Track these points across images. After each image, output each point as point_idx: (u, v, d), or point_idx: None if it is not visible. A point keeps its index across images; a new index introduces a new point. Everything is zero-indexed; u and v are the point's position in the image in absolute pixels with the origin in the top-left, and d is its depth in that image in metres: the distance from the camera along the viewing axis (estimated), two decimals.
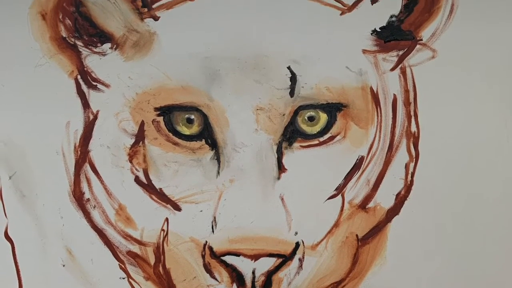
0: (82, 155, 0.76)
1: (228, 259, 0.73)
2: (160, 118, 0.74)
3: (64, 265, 0.76)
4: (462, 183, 0.74)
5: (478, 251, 0.74)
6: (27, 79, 0.77)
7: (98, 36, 0.76)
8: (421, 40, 0.75)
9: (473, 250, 0.74)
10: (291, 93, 0.74)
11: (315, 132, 0.74)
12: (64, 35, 0.76)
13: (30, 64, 0.77)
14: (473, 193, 0.74)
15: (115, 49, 0.76)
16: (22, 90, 0.77)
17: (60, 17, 0.76)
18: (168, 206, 0.75)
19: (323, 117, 0.74)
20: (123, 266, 0.75)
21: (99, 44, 0.76)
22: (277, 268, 0.73)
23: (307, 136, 0.74)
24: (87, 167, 0.76)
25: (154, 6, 0.76)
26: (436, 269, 0.74)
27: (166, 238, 0.75)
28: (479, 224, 0.74)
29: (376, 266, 0.74)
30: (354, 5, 0.75)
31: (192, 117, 0.74)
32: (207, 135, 0.74)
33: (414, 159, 0.74)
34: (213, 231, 0.74)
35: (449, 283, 0.74)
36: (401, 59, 0.75)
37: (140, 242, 0.75)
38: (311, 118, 0.74)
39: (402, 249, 0.74)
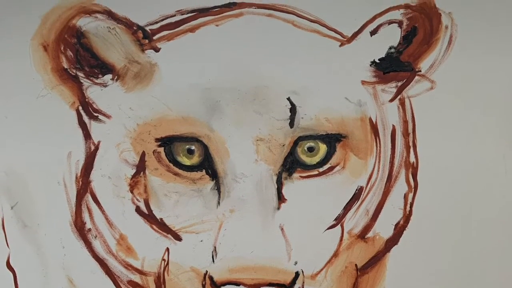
0: (84, 186, 0.77)
1: None
2: (161, 149, 0.75)
3: None
4: (460, 213, 0.74)
5: (477, 281, 0.75)
6: (29, 110, 0.78)
7: (99, 67, 0.77)
8: (420, 71, 0.76)
9: (472, 280, 0.75)
10: (291, 124, 0.75)
11: (315, 163, 0.75)
12: (65, 67, 0.77)
13: (32, 95, 0.78)
14: (471, 224, 0.75)
15: (116, 80, 0.77)
16: (24, 121, 0.78)
17: (62, 48, 0.77)
18: (169, 236, 0.75)
19: (323, 148, 0.75)
20: None
21: (100, 76, 0.77)
22: None
23: (306, 167, 0.75)
24: (88, 197, 0.77)
25: (155, 37, 0.77)
26: None
27: (167, 267, 0.76)
28: (478, 254, 0.75)
29: None
30: (353, 36, 0.76)
31: (193, 147, 0.75)
32: (207, 165, 0.75)
33: (413, 189, 0.75)
34: (213, 261, 0.74)
35: None
36: (400, 90, 0.76)
37: (141, 272, 0.76)
38: (310, 149, 0.75)
39: (400, 279, 0.75)
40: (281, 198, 0.74)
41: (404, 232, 0.75)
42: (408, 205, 0.75)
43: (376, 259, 0.75)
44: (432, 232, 0.75)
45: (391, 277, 0.75)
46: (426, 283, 0.75)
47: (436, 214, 0.75)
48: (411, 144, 0.76)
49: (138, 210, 0.76)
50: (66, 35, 0.77)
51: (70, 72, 0.77)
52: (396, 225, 0.75)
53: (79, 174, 0.77)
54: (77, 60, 0.77)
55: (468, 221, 0.75)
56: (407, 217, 0.75)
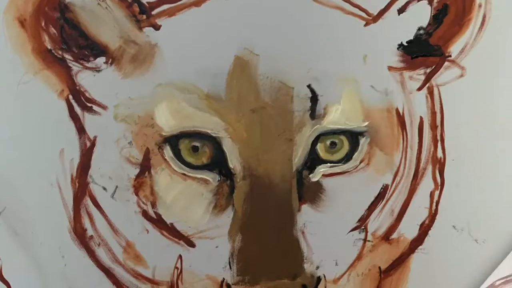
0: (81, 188, 0.66)
1: None
2: (167, 145, 0.65)
3: None
4: (488, 213, 0.70)
5: None
6: (9, 100, 0.64)
7: (89, 48, 0.63)
8: (450, 56, 0.67)
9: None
10: (312, 116, 0.67)
11: (337, 159, 0.66)
12: (49, 47, 0.63)
13: (12, 82, 0.64)
14: (499, 224, 0.70)
15: (111, 64, 0.63)
16: (4, 113, 0.65)
17: (43, 24, 0.62)
18: (181, 242, 0.67)
19: (346, 143, 0.66)
20: None
21: (91, 58, 0.63)
22: None
23: (328, 164, 0.66)
24: (87, 200, 0.66)
25: (153, 12, 0.64)
26: None
27: (180, 276, 0.68)
28: (505, 254, 0.70)
29: None
30: (380, 14, 0.65)
31: (203, 145, 0.64)
32: (220, 165, 0.65)
33: (439, 187, 0.69)
34: (230, 268, 0.67)
35: None
36: (428, 77, 0.67)
37: (152, 281, 0.68)
38: (333, 145, 0.66)
39: (424, 281, 0.70)
40: (301, 199, 0.66)
41: (429, 232, 0.70)
42: (434, 204, 0.69)
43: (400, 261, 0.70)
44: (458, 232, 0.70)
45: (414, 279, 0.70)
46: (450, 285, 0.71)
47: (462, 213, 0.70)
48: (439, 137, 0.68)
49: (145, 214, 0.66)
50: (46, 8, 0.62)
51: (55, 53, 0.63)
52: (421, 225, 0.69)
53: (74, 175, 0.65)
54: (63, 39, 0.63)
55: (496, 219, 0.70)
56: (432, 217, 0.69)
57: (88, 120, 0.65)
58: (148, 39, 0.64)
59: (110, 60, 0.64)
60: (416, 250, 0.69)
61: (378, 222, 0.68)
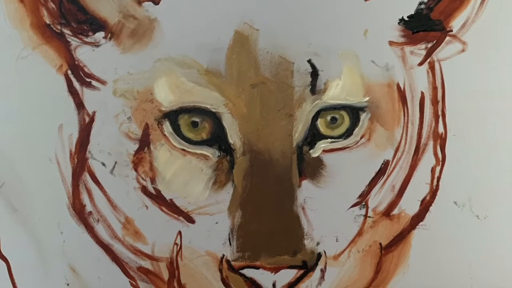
0: (80, 163, 0.65)
1: (247, 272, 0.66)
2: (166, 120, 0.64)
3: (68, 284, 0.67)
4: (489, 188, 0.69)
5: (507, 256, 0.71)
6: (8, 75, 0.63)
7: (88, 23, 0.62)
8: (451, 31, 0.66)
9: (501, 256, 0.70)
10: (312, 91, 0.67)
11: (338, 135, 0.65)
12: (48, 22, 0.62)
13: (11, 56, 0.63)
14: (500, 198, 0.69)
15: (110, 39, 0.63)
16: (3, 88, 0.64)
17: None
18: (181, 218, 0.66)
19: (347, 118, 0.65)
20: (134, 283, 0.67)
21: (90, 33, 0.62)
22: (298, 280, 0.67)
23: (329, 140, 0.65)
24: (86, 176, 0.65)
25: None
26: (459, 275, 0.70)
27: (180, 252, 0.66)
28: (508, 229, 0.70)
29: (399, 275, 0.69)
30: None
31: (203, 120, 0.64)
32: (220, 140, 0.64)
33: (441, 163, 0.68)
34: (230, 244, 0.66)
35: None
36: (430, 53, 0.65)
37: (151, 258, 0.67)
38: (333, 120, 0.65)
39: (425, 256, 0.69)
40: (302, 175, 0.65)
41: (430, 208, 0.68)
42: (435, 180, 0.67)
43: (401, 237, 0.68)
44: (459, 208, 0.69)
45: (415, 255, 0.68)
46: (451, 260, 0.69)
47: (463, 189, 0.68)
48: (440, 113, 0.67)
49: (144, 190, 0.65)
50: None
51: (54, 28, 0.62)
52: (422, 201, 0.68)
53: (73, 150, 0.64)
54: (62, 14, 0.62)
55: (497, 195, 0.69)
56: (433, 192, 0.68)
57: (87, 95, 0.64)
58: (148, 13, 0.63)
59: (109, 35, 0.63)
60: (417, 226, 0.68)
61: (379, 198, 0.67)
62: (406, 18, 0.65)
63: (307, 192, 0.66)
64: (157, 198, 0.65)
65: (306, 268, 0.67)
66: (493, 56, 0.67)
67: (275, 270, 0.66)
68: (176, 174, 0.65)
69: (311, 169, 0.65)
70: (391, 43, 0.65)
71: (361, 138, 0.66)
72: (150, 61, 0.64)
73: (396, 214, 0.68)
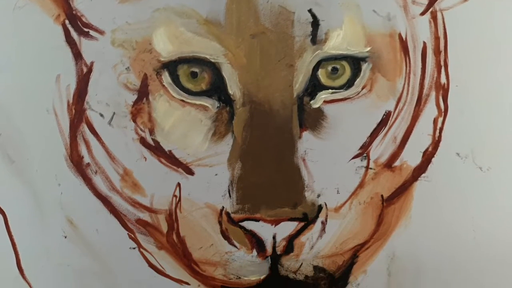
0: (78, 114, 0.63)
1: (247, 224, 0.64)
2: (165, 71, 0.63)
3: (66, 237, 0.66)
4: (492, 139, 0.67)
5: (505, 209, 0.69)
6: (4, 25, 0.62)
7: None
8: None
9: (502, 207, 0.69)
10: (313, 41, 0.65)
11: (339, 85, 0.64)
12: None
13: (7, 6, 0.62)
14: (503, 150, 0.68)
15: None
16: (0, 39, 0.63)
17: None
18: (180, 170, 0.64)
19: (348, 69, 0.63)
20: (132, 235, 0.66)
21: None
22: (299, 232, 0.65)
23: (330, 90, 0.64)
24: (84, 127, 0.64)
25: None
26: (462, 227, 0.69)
27: (179, 204, 0.65)
28: (510, 182, 0.68)
29: (401, 227, 0.68)
30: None
31: (202, 70, 0.62)
32: (219, 91, 0.63)
33: (443, 113, 0.67)
34: (230, 196, 0.65)
35: (474, 241, 0.69)
36: (432, 2, 0.63)
37: (150, 210, 0.65)
38: (334, 70, 0.64)
39: (427, 208, 0.67)
40: (302, 126, 0.64)
41: (433, 159, 0.67)
42: (438, 131, 0.66)
43: (403, 189, 0.67)
44: (461, 159, 0.67)
45: (417, 207, 0.67)
46: (454, 212, 0.68)
47: (466, 140, 0.67)
48: (442, 63, 0.65)
49: (143, 141, 0.64)
50: None
51: None
52: (425, 152, 0.66)
53: (71, 101, 0.63)
54: None
55: (501, 149, 0.68)
56: (436, 144, 0.66)
57: (85, 45, 0.63)
58: None
59: None
60: (419, 178, 0.67)
61: (381, 150, 0.66)
62: None
63: (307, 144, 0.64)
64: (156, 149, 0.64)
65: (307, 221, 0.65)
66: (496, 6, 0.65)
67: (275, 222, 0.64)
68: (175, 125, 0.64)
69: (312, 120, 0.64)
70: None
71: (362, 88, 0.64)
72: (149, 10, 0.62)
73: (398, 165, 0.67)
